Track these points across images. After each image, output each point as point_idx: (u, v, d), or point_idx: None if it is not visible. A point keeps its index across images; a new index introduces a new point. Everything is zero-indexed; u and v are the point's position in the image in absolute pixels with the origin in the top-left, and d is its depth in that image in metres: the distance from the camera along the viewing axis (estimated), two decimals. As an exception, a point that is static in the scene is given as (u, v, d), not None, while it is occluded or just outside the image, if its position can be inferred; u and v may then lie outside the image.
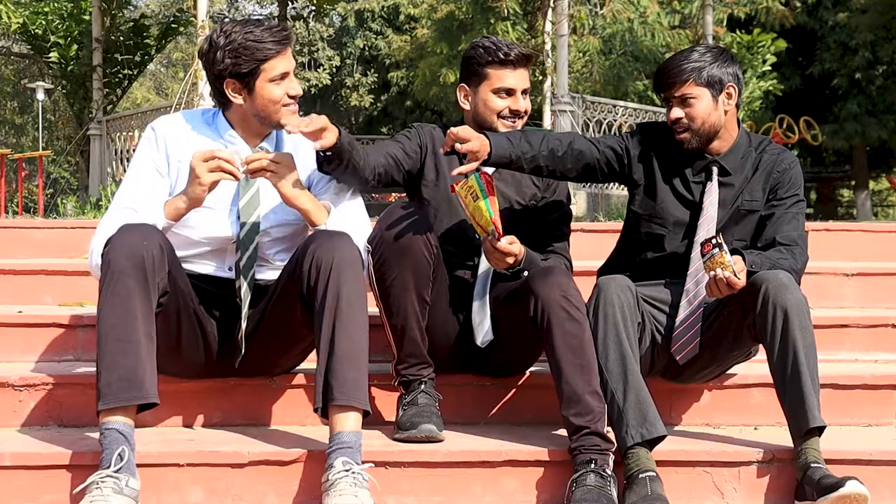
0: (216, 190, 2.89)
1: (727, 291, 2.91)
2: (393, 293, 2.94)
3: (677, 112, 3.15)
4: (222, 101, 3.01)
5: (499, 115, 3.23)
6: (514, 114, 3.24)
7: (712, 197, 3.17)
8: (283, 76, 2.95)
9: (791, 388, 2.89)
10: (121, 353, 2.66)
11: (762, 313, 2.93)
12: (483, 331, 3.10)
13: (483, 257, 3.13)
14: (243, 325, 2.97)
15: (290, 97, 2.97)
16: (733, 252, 2.97)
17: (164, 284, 2.76)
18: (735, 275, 2.87)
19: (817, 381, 2.91)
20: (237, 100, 2.96)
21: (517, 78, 3.22)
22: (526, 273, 3.05)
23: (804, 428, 2.87)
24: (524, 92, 3.25)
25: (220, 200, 2.98)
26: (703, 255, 2.92)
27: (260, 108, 2.96)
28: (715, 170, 3.20)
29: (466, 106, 3.29)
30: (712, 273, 2.89)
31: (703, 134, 3.16)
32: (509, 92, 3.22)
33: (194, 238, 2.99)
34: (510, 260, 2.97)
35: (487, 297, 3.13)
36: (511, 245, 2.96)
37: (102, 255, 2.73)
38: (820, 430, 2.89)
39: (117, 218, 2.88)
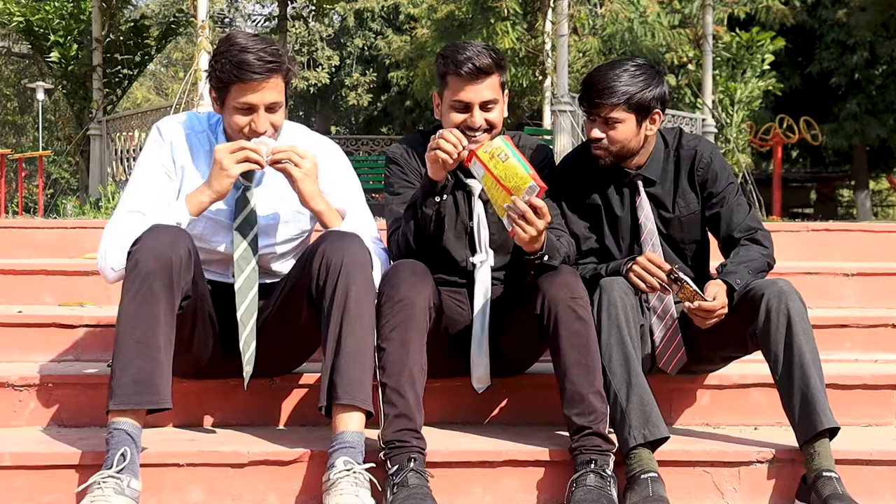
0: (217, 203, 2.89)
1: (712, 318, 2.94)
2: (389, 349, 2.79)
3: (598, 132, 3.10)
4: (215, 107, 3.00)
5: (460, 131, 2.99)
6: (472, 129, 3.00)
7: (645, 210, 3.18)
8: (250, 109, 2.86)
9: (801, 391, 2.88)
10: (138, 355, 2.66)
11: (765, 323, 2.94)
12: (480, 376, 3.06)
13: (477, 296, 3.04)
14: (244, 352, 2.94)
15: (251, 131, 2.89)
16: (717, 275, 3.03)
17: (187, 289, 2.76)
18: (705, 300, 2.90)
19: (824, 384, 2.91)
20: (215, 107, 2.95)
21: (474, 91, 2.98)
22: (546, 258, 2.92)
23: (817, 429, 2.85)
24: (486, 105, 3.00)
25: (223, 212, 2.97)
26: (672, 291, 2.97)
27: (227, 126, 2.94)
28: (640, 183, 3.19)
29: (438, 116, 3.12)
30: (687, 305, 2.93)
31: (618, 155, 3.14)
32: (467, 106, 3.00)
33: (200, 246, 2.98)
34: (542, 225, 2.78)
35: (486, 336, 3.04)
36: (547, 212, 2.79)
37: (129, 253, 2.72)
38: (831, 434, 2.88)
39: (126, 221, 2.88)
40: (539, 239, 2.83)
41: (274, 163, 2.86)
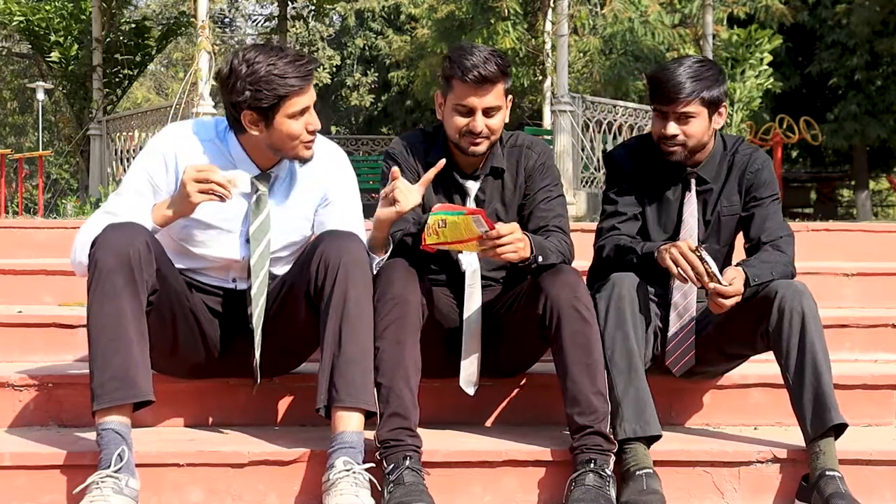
0: (226, 209, 2.88)
1: (725, 304, 2.90)
2: (384, 348, 2.80)
3: (673, 128, 3.13)
4: (237, 125, 2.92)
5: (460, 134, 3.04)
6: (473, 133, 3.03)
7: (691, 208, 3.20)
8: (304, 111, 2.87)
9: (813, 389, 2.88)
10: (112, 353, 2.66)
11: (779, 320, 2.94)
12: (469, 379, 3.04)
13: (467, 300, 3.03)
14: (257, 354, 2.95)
15: (310, 132, 2.90)
16: (737, 265, 3.01)
17: (153, 282, 2.75)
18: (721, 283, 2.88)
19: (832, 384, 2.91)
20: (253, 131, 2.88)
21: (479, 99, 3.00)
22: (541, 258, 2.91)
23: (827, 425, 2.85)
24: (488, 111, 3.02)
25: (229, 220, 2.96)
26: (701, 284, 2.93)
27: (277, 141, 2.88)
28: (693, 181, 3.21)
29: (440, 116, 3.12)
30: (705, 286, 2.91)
31: (692, 150, 3.17)
32: (470, 111, 3.02)
33: (200, 254, 2.98)
34: (518, 239, 2.78)
35: (478, 339, 3.04)
36: (509, 226, 2.79)
37: (89, 254, 2.73)
38: (837, 433, 2.88)
39: (101, 221, 2.86)
40: (525, 247, 2.83)
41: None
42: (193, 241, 2.96)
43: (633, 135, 10.05)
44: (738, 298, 2.92)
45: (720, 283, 2.89)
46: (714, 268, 2.90)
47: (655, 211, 3.24)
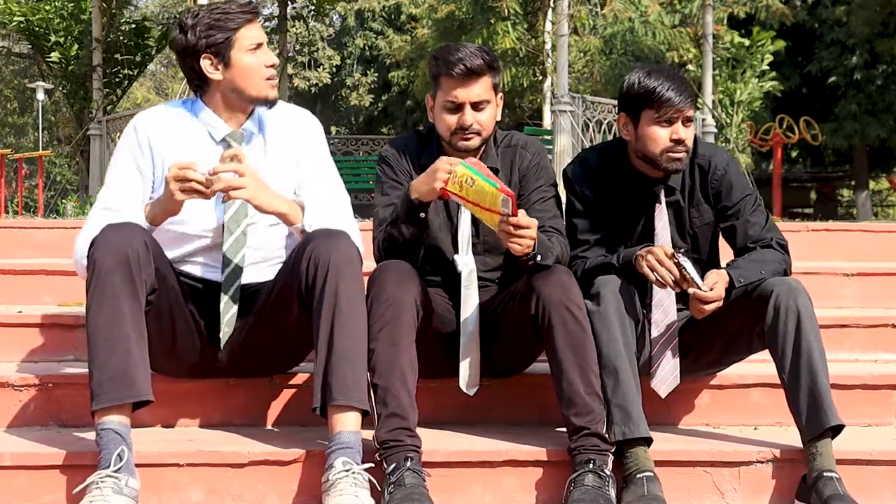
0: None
1: (706, 309, 2.90)
2: (379, 349, 2.79)
3: (685, 131, 3.06)
4: (199, 83, 2.98)
5: (451, 132, 3.04)
6: (463, 128, 3.03)
7: (663, 220, 3.14)
8: (258, 46, 2.94)
9: (808, 389, 2.87)
10: (111, 353, 2.66)
11: (774, 319, 2.92)
12: (468, 380, 3.04)
13: (464, 302, 3.02)
14: (224, 319, 2.95)
15: (268, 67, 2.96)
16: (725, 266, 3.01)
17: (151, 281, 2.76)
18: (700, 288, 2.87)
19: (829, 383, 2.90)
20: (215, 75, 2.94)
21: (465, 92, 3.00)
22: (539, 257, 2.90)
23: (823, 426, 2.83)
24: (477, 105, 3.02)
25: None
26: (681, 288, 2.93)
27: (239, 79, 2.94)
28: (661, 192, 3.16)
29: (431, 118, 3.13)
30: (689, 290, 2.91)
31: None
32: (458, 107, 3.02)
33: (183, 232, 2.97)
34: (533, 233, 2.79)
35: (476, 340, 3.03)
36: (532, 220, 2.80)
37: (88, 255, 2.73)
38: (834, 434, 2.87)
39: (100, 217, 2.88)
40: (531, 244, 2.83)
41: (224, 191, 2.78)
42: (175, 219, 2.94)
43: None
44: (719, 303, 2.92)
45: (699, 289, 2.88)
46: (692, 273, 2.89)
47: (623, 231, 3.17)
